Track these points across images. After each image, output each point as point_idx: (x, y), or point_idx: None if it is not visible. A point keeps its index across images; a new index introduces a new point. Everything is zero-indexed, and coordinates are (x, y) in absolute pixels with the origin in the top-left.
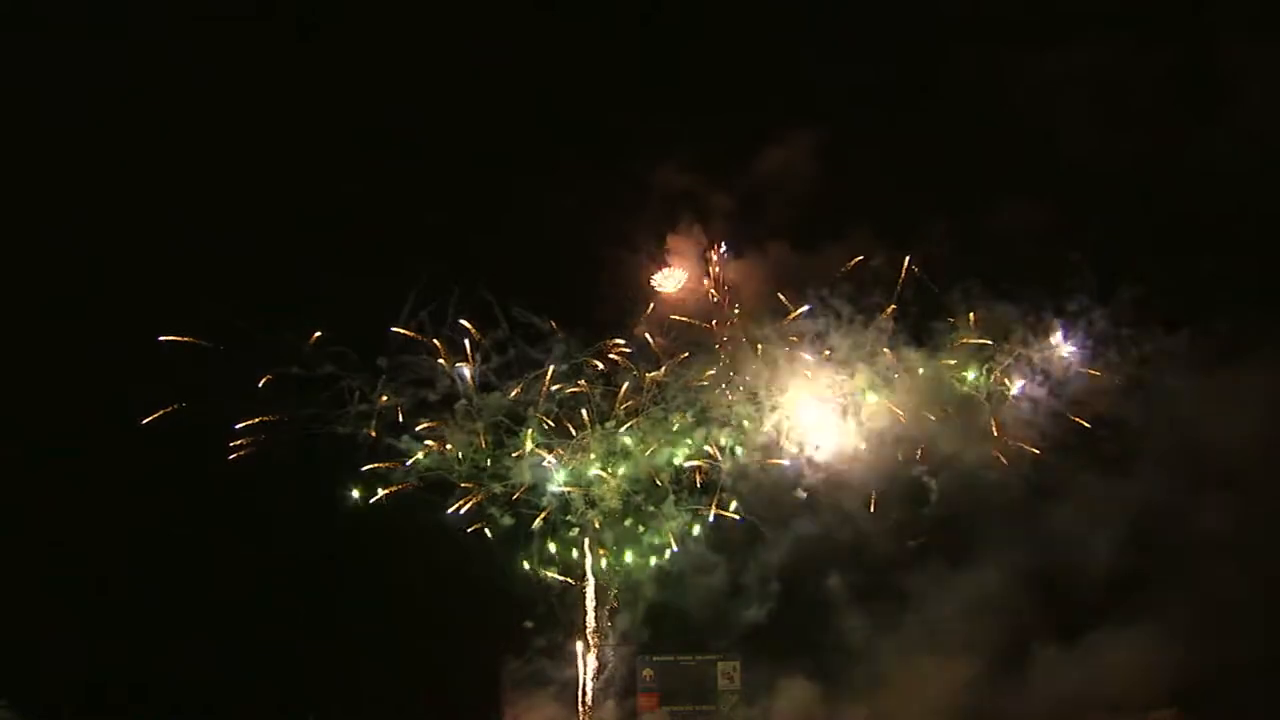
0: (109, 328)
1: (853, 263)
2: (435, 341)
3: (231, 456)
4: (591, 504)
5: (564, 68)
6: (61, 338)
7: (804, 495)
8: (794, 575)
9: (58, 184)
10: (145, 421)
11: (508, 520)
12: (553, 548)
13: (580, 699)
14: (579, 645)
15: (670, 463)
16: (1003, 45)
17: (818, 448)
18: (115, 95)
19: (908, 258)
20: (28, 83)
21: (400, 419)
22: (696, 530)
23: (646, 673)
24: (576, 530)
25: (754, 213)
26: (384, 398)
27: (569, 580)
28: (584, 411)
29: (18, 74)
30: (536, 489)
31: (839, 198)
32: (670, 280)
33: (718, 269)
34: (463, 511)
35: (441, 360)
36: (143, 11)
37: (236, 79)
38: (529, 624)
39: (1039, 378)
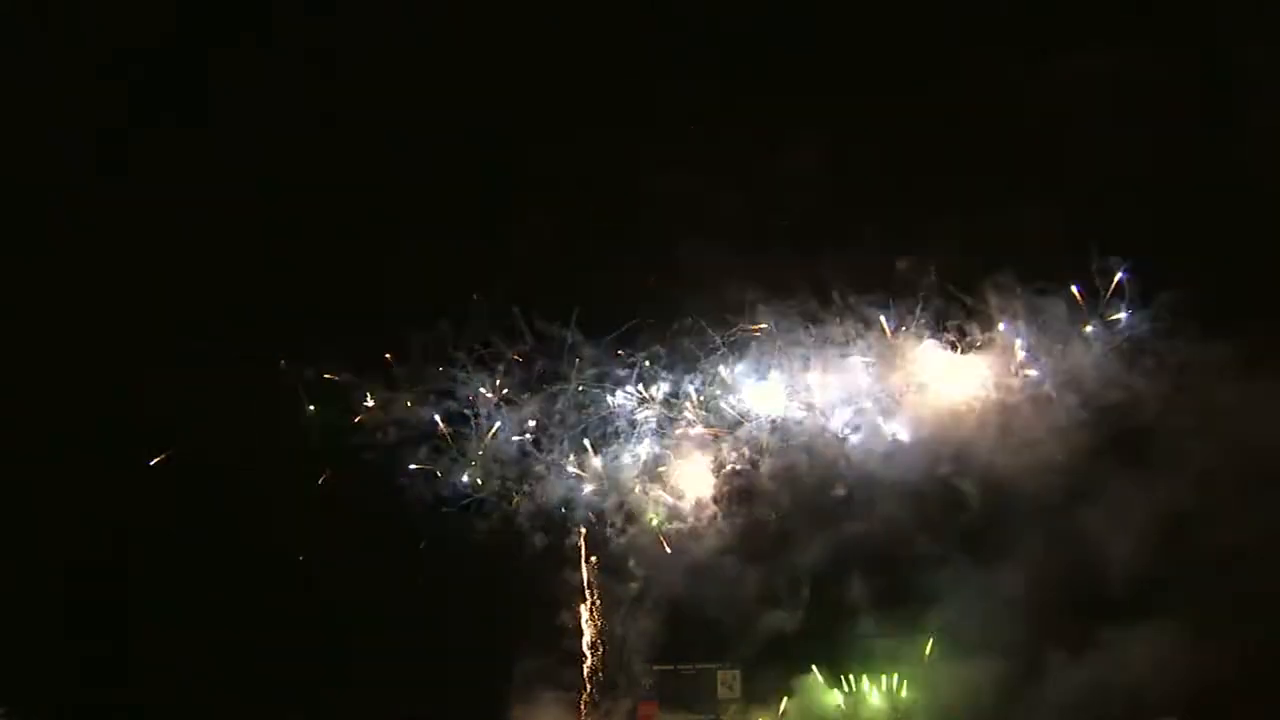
0: (119, 332)
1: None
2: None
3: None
4: (630, 519)
5: (566, 69)
6: (67, 343)
7: (843, 493)
8: (824, 578)
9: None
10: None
11: (539, 539)
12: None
13: (589, 702)
14: (587, 650)
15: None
16: (1037, 44)
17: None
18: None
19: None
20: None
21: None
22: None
23: (646, 680)
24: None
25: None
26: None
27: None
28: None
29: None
30: (570, 503)
31: (863, 200)
32: None
33: None
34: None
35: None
36: None
37: (242, 80)
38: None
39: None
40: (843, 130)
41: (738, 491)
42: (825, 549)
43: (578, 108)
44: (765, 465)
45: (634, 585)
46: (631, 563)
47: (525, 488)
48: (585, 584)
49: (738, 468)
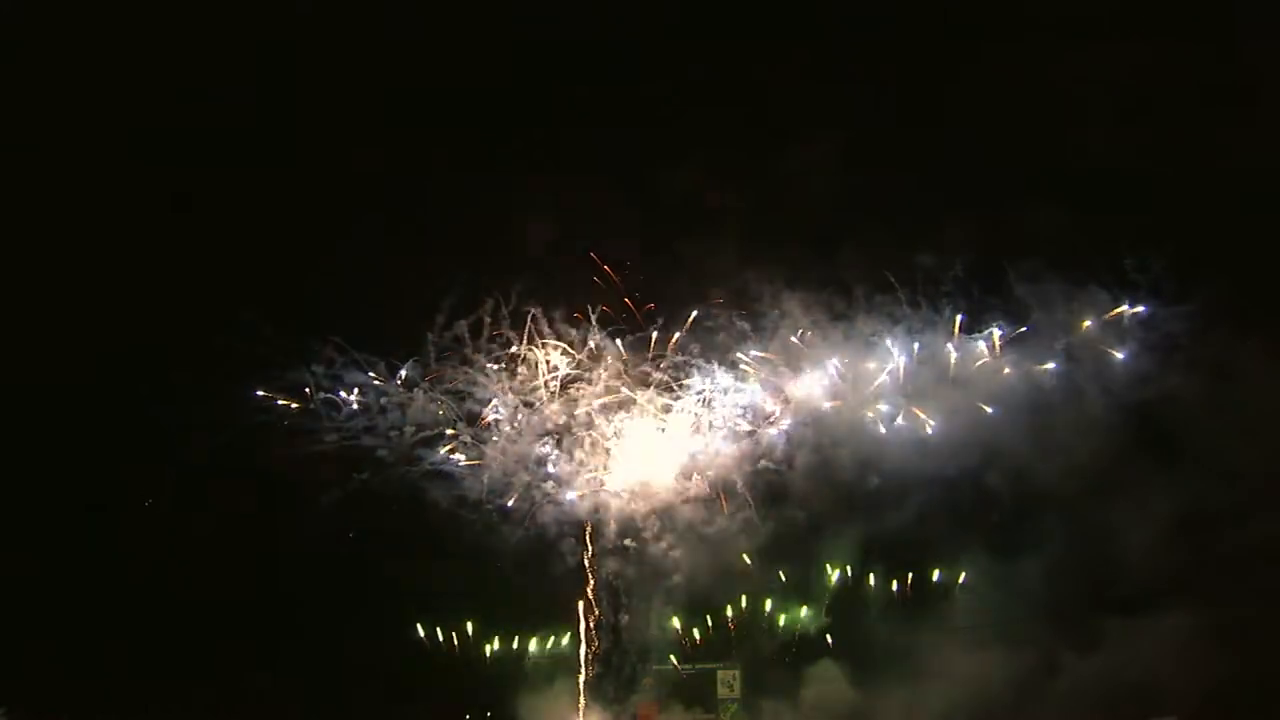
0: (133, 333)
1: None
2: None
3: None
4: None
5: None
6: (75, 343)
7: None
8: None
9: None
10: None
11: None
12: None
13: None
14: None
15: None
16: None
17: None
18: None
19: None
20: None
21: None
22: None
23: (646, 680)
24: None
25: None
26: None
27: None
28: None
29: None
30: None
31: (889, 196)
32: None
33: None
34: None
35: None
36: None
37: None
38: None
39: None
40: (864, 125)
41: (769, 488)
42: (854, 544)
43: (591, 105)
44: (800, 460)
45: (649, 586)
46: (654, 565)
47: (548, 491)
48: (593, 585)
49: (770, 465)
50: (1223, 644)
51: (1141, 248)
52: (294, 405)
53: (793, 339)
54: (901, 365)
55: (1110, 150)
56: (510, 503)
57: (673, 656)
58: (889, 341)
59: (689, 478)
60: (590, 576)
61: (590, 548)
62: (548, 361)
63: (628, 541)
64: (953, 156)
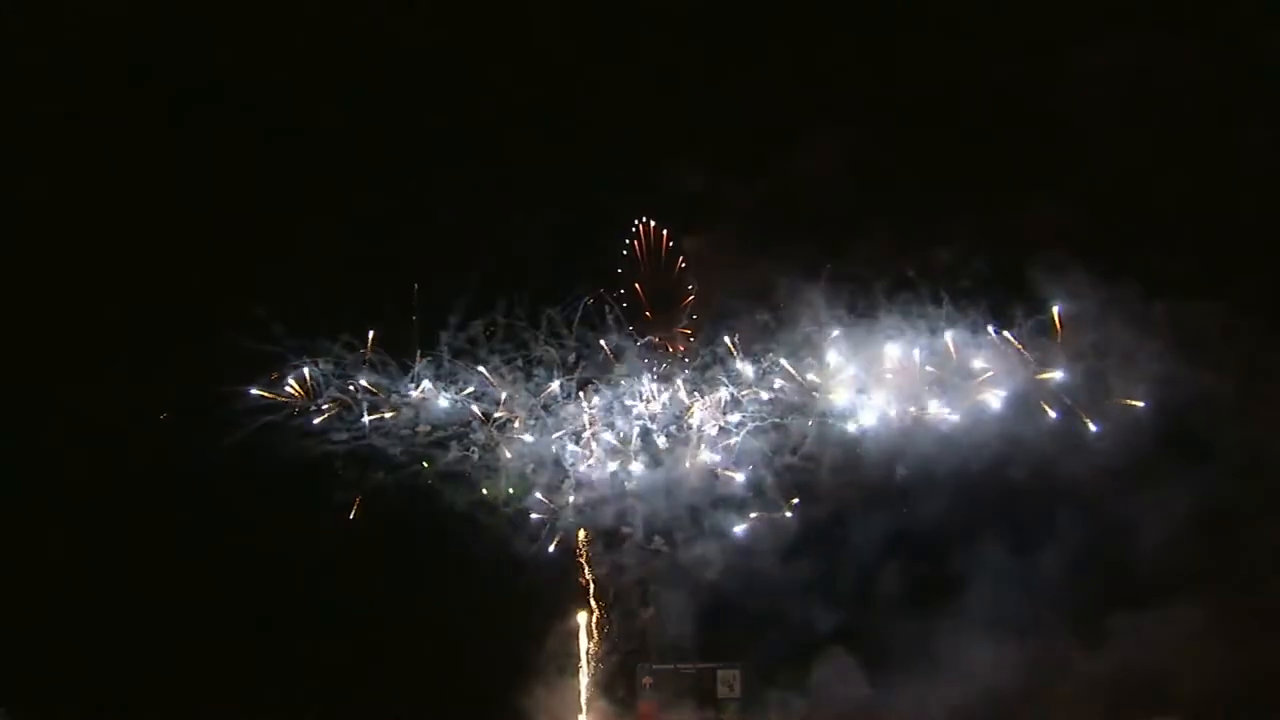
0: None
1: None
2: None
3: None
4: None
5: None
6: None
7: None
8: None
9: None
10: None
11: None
12: None
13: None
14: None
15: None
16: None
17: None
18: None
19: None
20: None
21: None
22: None
23: (646, 680)
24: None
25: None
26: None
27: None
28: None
29: None
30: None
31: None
32: None
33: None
34: None
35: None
36: None
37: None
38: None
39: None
40: (881, 117)
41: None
42: (875, 539)
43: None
44: (825, 455)
45: (668, 585)
46: (673, 564)
47: (569, 499)
48: (602, 585)
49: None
50: (1225, 644)
51: (1168, 243)
52: (302, 404)
53: (814, 334)
54: (924, 361)
55: (1134, 143)
56: (527, 504)
57: (677, 657)
58: (911, 336)
59: (715, 476)
60: (600, 576)
61: (604, 548)
62: (564, 361)
63: (653, 542)
64: (970, 151)
